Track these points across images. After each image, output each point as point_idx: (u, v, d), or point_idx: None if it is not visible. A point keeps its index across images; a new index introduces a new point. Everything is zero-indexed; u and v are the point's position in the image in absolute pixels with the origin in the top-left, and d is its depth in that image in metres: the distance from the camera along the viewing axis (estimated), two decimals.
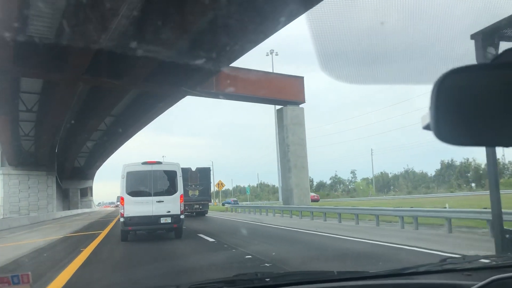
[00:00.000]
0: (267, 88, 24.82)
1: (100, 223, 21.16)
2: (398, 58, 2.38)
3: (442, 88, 0.88)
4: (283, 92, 25.16)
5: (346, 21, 2.44)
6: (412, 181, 66.13)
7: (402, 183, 66.55)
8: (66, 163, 47.99)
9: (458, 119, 0.87)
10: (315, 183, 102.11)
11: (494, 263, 2.43)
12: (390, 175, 73.81)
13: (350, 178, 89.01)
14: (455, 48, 2.44)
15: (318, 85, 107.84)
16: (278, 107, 26.31)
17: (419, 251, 8.34)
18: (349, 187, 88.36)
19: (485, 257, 2.59)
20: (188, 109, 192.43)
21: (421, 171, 67.40)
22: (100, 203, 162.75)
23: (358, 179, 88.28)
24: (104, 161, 51.51)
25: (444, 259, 2.41)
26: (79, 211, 55.20)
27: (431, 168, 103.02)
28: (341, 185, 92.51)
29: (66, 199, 61.20)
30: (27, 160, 44.20)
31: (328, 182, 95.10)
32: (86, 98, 27.27)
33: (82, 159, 50.71)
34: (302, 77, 25.96)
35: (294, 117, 25.49)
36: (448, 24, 2.36)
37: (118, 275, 6.91)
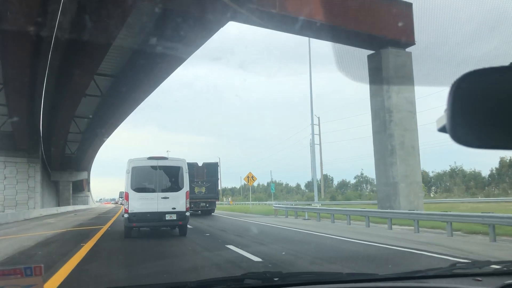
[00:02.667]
0: (355, 17, 15.17)
1: (67, 240, 11.18)
2: (415, 60, 1.80)
3: (459, 90, 0.88)
4: (379, 26, 15.52)
5: None
6: (463, 182, 56.13)
7: (458, 182, 56.45)
8: (53, 148, 38.43)
9: (475, 121, 0.87)
10: (336, 182, 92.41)
11: (505, 269, 2.34)
12: (431, 174, 64.08)
13: None
14: (474, 51, 1.96)
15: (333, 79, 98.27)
16: (369, 52, 16.60)
17: None
18: None
19: (496, 262, 2.39)
20: (192, 106, 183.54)
21: (472, 170, 57.42)
22: (101, 199, 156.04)
23: None
24: (101, 145, 41.85)
25: (454, 264, 2.38)
26: (70, 208, 45.66)
27: (484, 167, 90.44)
28: (368, 185, 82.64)
29: (57, 193, 51.80)
30: (1, 143, 34.84)
31: (352, 181, 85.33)
32: (66, 48, 17.81)
33: (74, 144, 41.13)
34: (410, 4, 16.24)
35: (400, 67, 15.78)
36: (465, 26, 2.24)
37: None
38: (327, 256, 8.02)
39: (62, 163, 46.21)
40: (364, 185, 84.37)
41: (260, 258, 7.30)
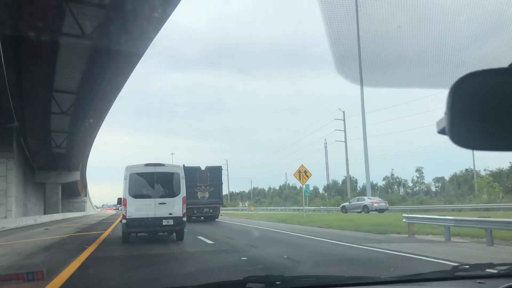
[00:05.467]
0: None
1: None
2: (414, 62, 2.36)
3: (457, 93, 0.88)
4: None
5: (363, 24, 2.21)
6: None
7: None
8: (30, 139, 29.55)
9: (474, 123, 0.86)
10: (360, 184, 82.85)
11: (507, 271, 2.29)
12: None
13: (416, 178, 69.52)
14: (472, 53, 2.22)
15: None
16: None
17: None
18: (414, 189, 68.97)
19: (499, 265, 2.33)
20: (195, 111, 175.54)
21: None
22: (103, 205, 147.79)
23: (428, 180, 68.95)
24: (95, 137, 32.78)
25: (457, 266, 2.33)
26: (58, 216, 36.65)
27: None
28: (401, 187, 73.26)
29: (46, 198, 42.82)
30: None
31: (381, 183, 75.99)
32: None
33: (60, 135, 32.19)
34: None
35: None
36: (465, 28, 2.22)
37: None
38: None
39: (48, 160, 37.31)
40: (395, 186, 75.10)
41: None
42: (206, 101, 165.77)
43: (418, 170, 68.37)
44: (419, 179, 68.88)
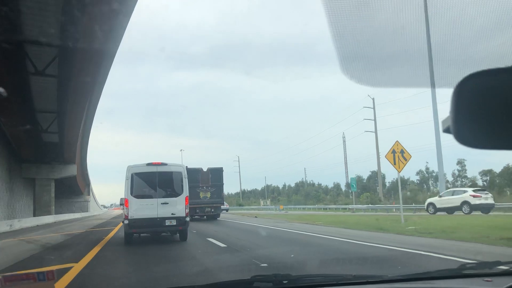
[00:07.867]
0: None
1: None
2: (419, 61, 2.42)
3: (462, 92, 0.88)
4: None
5: (369, 24, 2.32)
6: None
7: None
8: (7, 120, 22.63)
9: (478, 122, 0.87)
10: (389, 179, 74.97)
11: None
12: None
13: (457, 172, 61.82)
14: (476, 52, 2.28)
15: None
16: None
17: None
18: (455, 184, 61.31)
19: (507, 263, 2.28)
20: (202, 110, 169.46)
21: None
22: (112, 204, 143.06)
23: (473, 174, 61.16)
24: (93, 115, 25.70)
25: (464, 264, 2.34)
26: (49, 218, 29.72)
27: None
28: (438, 183, 65.50)
29: (36, 197, 36.05)
30: None
31: (415, 178, 68.38)
32: None
33: (48, 116, 25.25)
34: None
35: None
36: (470, 27, 2.28)
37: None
38: None
39: (37, 151, 30.57)
40: (431, 182, 67.56)
41: None
42: (213, 100, 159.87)
43: (460, 162, 60.74)
44: (460, 173, 61.28)
